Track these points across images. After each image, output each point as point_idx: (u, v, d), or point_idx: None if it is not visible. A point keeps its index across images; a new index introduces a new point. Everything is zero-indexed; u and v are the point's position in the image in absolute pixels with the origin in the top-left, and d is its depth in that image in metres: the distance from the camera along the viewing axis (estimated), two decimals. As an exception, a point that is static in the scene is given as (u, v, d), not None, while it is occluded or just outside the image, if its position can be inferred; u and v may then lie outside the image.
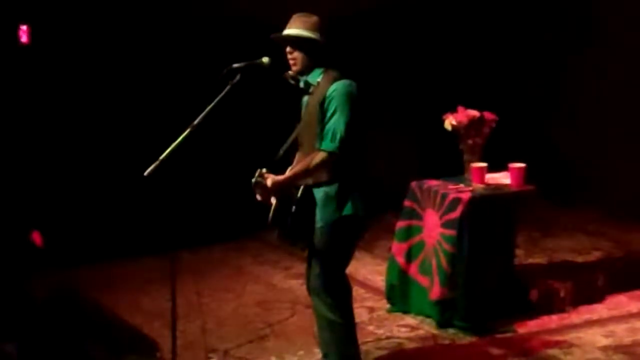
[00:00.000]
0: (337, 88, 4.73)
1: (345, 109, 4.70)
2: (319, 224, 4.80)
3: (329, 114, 4.72)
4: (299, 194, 4.78)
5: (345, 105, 4.70)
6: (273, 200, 4.81)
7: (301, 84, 4.89)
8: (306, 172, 4.74)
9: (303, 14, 4.88)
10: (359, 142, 4.77)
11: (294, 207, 4.77)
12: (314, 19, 4.84)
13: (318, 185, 4.80)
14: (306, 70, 4.85)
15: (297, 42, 4.81)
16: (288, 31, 4.83)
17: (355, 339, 5.00)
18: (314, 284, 4.89)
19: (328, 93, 4.73)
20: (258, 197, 4.75)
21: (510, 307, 6.05)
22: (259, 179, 4.69)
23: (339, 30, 4.90)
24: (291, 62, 4.85)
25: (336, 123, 4.69)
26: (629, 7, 8.28)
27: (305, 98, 4.93)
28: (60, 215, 7.37)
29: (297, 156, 4.97)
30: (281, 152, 4.91)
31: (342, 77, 4.79)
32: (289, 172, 4.81)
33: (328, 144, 4.70)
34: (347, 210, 4.78)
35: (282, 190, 4.75)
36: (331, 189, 4.78)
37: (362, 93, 4.81)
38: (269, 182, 4.68)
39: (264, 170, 4.72)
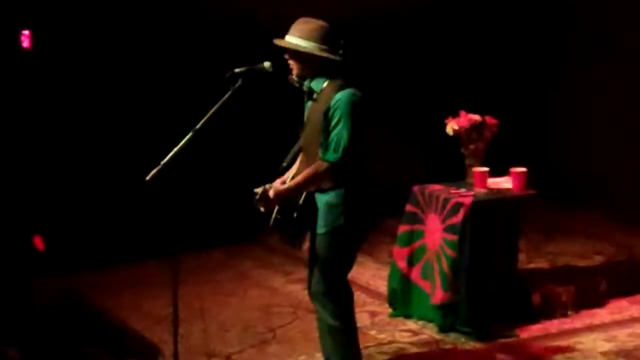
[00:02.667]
0: (341, 98, 4.69)
1: (349, 118, 4.66)
2: (321, 230, 4.80)
3: (332, 124, 4.68)
4: (301, 200, 4.79)
5: (349, 115, 4.66)
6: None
7: (305, 88, 4.87)
8: (309, 182, 4.73)
9: (306, 19, 4.80)
10: (362, 150, 4.75)
11: (295, 213, 4.78)
12: (314, 26, 4.76)
13: (321, 191, 4.80)
14: (305, 76, 4.82)
15: (292, 51, 4.78)
16: (286, 39, 4.78)
17: (357, 344, 4.99)
18: (316, 289, 4.89)
19: (332, 102, 4.69)
20: (261, 209, 4.75)
21: (512, 311, 6.05)
22: (263, 193, 4.69)
23: (341, 35, 4.86)
24: (290, 67, 4.84)
25: (340, 133, 4.66)
26: (631, 15, 8.30)
27: (309, 103, 4.91)
28: (62, 219, 7.37)
29: (300, 159, 4.97)
30: (285, 163, 4.92)
31: (346, 86, 4.74)
32: (291, 182, 4.80)
33: (331, 155, 4.68)
34: (350, 217, 4.76)
35: (285, 199, 4.75)
36: (334, 196, 4.77)
37: (366, 99, 4.78)
38: (271, 193, 4.69)
39: (267, 186, 4.72)
